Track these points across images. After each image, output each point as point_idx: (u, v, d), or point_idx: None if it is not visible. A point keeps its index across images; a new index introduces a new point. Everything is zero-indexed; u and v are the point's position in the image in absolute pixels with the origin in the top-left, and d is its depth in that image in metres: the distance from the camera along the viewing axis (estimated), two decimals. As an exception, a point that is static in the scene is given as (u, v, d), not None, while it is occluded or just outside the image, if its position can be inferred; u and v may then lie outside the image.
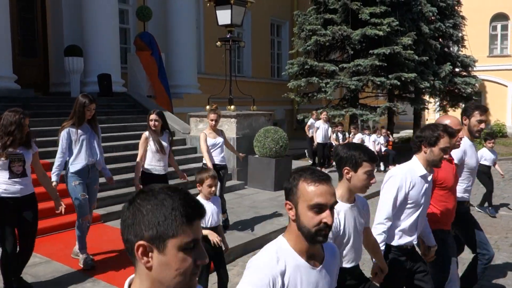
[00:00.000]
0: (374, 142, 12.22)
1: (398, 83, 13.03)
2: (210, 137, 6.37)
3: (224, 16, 9.71)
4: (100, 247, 5.36)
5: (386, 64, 13.09)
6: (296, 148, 14.08)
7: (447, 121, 3.52)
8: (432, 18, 14.72)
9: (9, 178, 4.14)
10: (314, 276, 1.79)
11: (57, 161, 4.87)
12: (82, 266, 4.88)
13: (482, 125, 3.96)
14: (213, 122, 6.41)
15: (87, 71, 11.19)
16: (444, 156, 3.13)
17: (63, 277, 4.68)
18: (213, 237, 3.71)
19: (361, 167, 2.51)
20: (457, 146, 3.66)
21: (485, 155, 7.85)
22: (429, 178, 3.13)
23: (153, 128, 5.50)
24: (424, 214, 3.19)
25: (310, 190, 1.74)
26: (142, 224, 1.19)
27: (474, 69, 16.78)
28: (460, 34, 16.14)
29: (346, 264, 2.61)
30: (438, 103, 17.75)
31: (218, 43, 10.03)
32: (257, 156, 9.45)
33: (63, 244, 5.61)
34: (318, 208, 1.72)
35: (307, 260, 1.79)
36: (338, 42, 14.26)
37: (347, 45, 13.85)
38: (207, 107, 6.54)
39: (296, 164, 12.08)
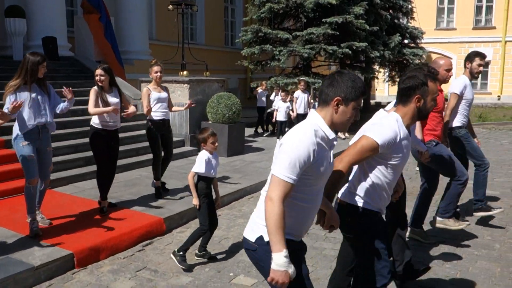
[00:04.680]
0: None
1: (350, 52, 13.18)
2: (155, 91, 6.27)
3: (176, -21, 9.46)
4: (49, 212, 5.21)
5: (338, 33, 13.20)
6: (249, 116, 14.12)
7: (442, 62, 4.56)
8: (383, -12, 14.89)
9: None
10: (409, 140, 2.77)
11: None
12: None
13: (481, 68, 5.04)
14: (158, 74, 6.27)
15: (30, 34, 10.68)
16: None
17: (10, 242, 4.54)
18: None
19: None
20: (447, 81, 4.58)
21: None
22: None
23: (99, 84, 5.34)
24: None
25: (434, 87, 2.69)
26: (340, 88, 2.20)
27: (422, 41, 17.22)
28: (409, 6, 16.44)
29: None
30: (387, 73, 18.17)
31: (170, 7, 9.81)
32: (210, 122, 9.41)
33: (8, 210, 5.43)
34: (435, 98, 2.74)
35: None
36: (292, 10, 14.21)
37: (301, 13, 13.82)
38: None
39: (248, 131, 12.15)
